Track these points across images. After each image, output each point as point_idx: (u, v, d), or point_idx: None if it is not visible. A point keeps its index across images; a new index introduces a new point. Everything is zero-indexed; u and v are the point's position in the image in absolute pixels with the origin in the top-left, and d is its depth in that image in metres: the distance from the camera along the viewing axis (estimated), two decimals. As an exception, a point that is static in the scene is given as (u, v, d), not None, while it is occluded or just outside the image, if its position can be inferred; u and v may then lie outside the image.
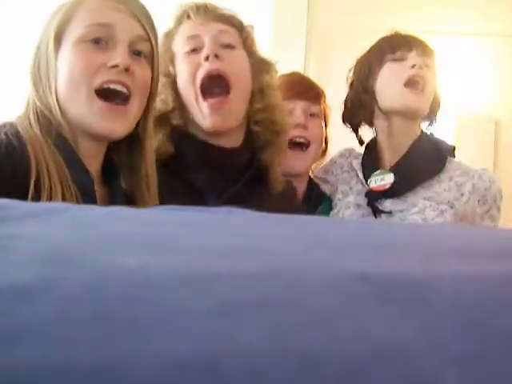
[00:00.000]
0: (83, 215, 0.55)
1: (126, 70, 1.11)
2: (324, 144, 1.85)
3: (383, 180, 1.69)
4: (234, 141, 1.44)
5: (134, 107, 1.15)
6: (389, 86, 1.66)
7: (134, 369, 0.28)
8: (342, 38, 3.97)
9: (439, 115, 1.78)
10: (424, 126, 1.79)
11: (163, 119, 1.41)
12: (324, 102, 1.82)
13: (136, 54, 1.15)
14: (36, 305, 0.31)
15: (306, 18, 2.97)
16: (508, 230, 0.59)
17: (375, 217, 1.67)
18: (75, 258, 0.38)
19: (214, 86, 1.39)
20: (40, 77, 1.13)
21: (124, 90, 1.12)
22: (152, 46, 1.19)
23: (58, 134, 1.10)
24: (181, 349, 0.29)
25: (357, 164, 1.80)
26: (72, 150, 1.11)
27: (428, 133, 1.78)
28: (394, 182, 1.66)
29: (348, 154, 1.85)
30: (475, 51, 4.26)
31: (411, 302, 0.33)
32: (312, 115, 1.76)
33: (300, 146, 1.73)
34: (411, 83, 1.62)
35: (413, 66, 1.61)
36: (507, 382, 0.28)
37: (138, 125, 1.20)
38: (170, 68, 1.45)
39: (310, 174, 1.85)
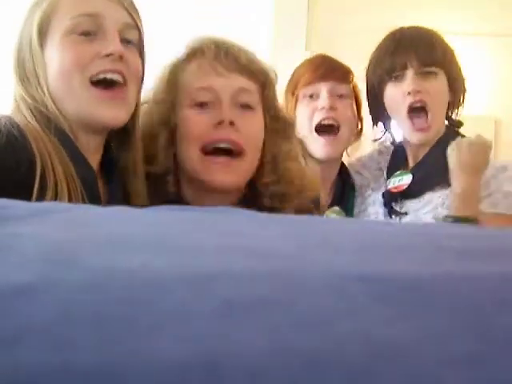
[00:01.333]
0: (84, 215, 0.55)
1: (120, 57, 1.08)
2: (360, 124, 1.78)
3: (401, 181, 1.67)
4: (229, 198, 1.25)
5: (131, 94, 1.12)
6: (395, 113, 1.64)
7: (135, 370, 0.28)
8: (343, 38, 3.97)
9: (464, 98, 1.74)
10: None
11: (157, 185, 1.24)
12: (352, 80, 1.73)
13: (126, 42, 1.12)
14: (36, 305, 0.31)
15: (306, 18, 2.97)
16: (506, 230, 0.59)
17: (390, 217, 1.66)
18: (75, 258, 0.38)
19: (222, 152, 1.20)
20: (26, 74, 1.10)
21: (120, 79, 1.09)
22: (140, 32, 1.15)
23: (57, 128, 1.07)
24: (181, 349, 0.29)
25: (384, 163, 1.78)
26: (73, 144, 1.08)
27: (455, 127, 1.73)
28: (412, 182, 1.64)
29: (386, 152, 1.82)
30: (475, 51, 4.26)
31: (411, 303, 0.33)
32: (340, 96, 1.68)
33: (329, 129, 1.67)
34: (413, 110, 1.59)
35: (409, 93, 1.58)
36: (506, 383, 0.28)
37: None
38: (171, 116, 1.25)
39: (342, 159, 1.78)
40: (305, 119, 1.66)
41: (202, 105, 1.23)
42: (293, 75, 1.74)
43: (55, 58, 1.08)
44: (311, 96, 1.67)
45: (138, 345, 0.29)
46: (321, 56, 1.79)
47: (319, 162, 1.68)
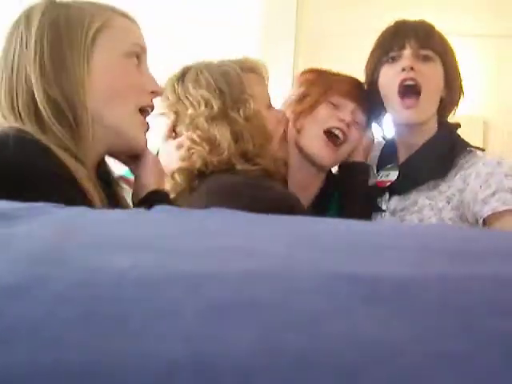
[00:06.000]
0: (74, 216, 0.54)
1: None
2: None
3: (388, 176, 1.66)
4: None
5: None
6: (386, 95, 1.63)
7: (124, 369, 0.28)
8: (332, 37, 3.97)
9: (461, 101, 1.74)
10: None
11: None
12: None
13: None
14: (25, 304, 0.31)
15: (295, 17, 2.97)
16: (498, 231, 0.59)
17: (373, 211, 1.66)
18: (65, 257, 0.38)
19: None
20: (55, 75, 1.05)
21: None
22: None
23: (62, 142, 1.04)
24: (170, 349, 0.29)
25: (374, 158, 1.77)
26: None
27: (450, 127, 1.71)
28: (397, 179, 1.63)
29: (375, 147, 1.80)
30: (464, 51, 4.28)
31: (400, 303, 0.33)
32: (356, 122, 1.72)
33: (335, 139, 1.68)
34: (405, 91, 1.57)
35: (402, 70, 1.57)
36: (494, 382, 0.29)
37: None
38: None
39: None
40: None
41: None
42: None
43: (107, 73, 1.09)
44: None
45: (126, 344, 0.29)
46: (358, 81, 1.77)
47: (319, 167, 1.70)
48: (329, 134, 1.66)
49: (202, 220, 0.55)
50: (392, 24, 1.69)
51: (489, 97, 4.36)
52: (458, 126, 1.73)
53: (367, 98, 1.72)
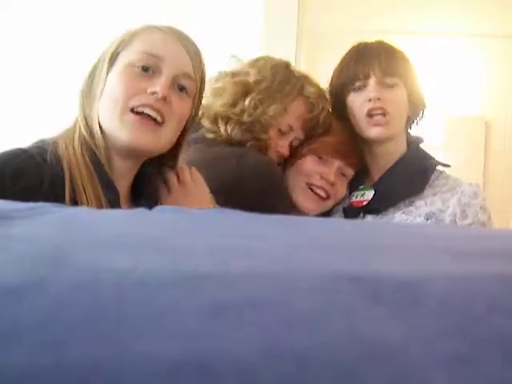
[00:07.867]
0: (74, 216, 0.54)
1: (164, 98, 1.15)
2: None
3: (363, 196, 1.70)
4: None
5: (167, 132, 1.19)
6: (354, 117, 1.67)
7: (125, 369, 0.28)
8: (333, 38, 3.98)
9: (426, 114, 1.77)
10: (414, 125, 1.78)
11: None
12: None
13: (179, 88, 1.20)
14: (26, 306, 0.31)
15: (297, 18, 2.97)
16: (497, 232, 0.59)
17: None
18: (66, 258, 0.38)
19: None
20: (89, 92, 1.20)
21: (158, 117, 1.16)
22: (196, 86, 1.24)
23: (92, 153, 1.15)
24: (170, 349, 0.29)
25: None
26: (102, 168, 1.16)
27: (417, 143, 1.76)
28: (373, 198, 1.67)
29: None
30: (465, 52, 4.28)
31: (401, 303, 0.33)
32: (343, 175, 1.73)
33: (319, 194, 1.70)
34: (372, 114, 1.62)
35: (369, 100, 1.61)
36: (492, 383, 0.29)
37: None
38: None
39: None
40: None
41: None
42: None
43: (112, 84, 1.17)
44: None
45: (128, 344, 0.29)
46: (345, 135, 1.77)
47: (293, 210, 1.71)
48: (311, 189, 1.69)
49: (203, 220, 0.55)
50: (354, 49, 1.72)
51: (490, 97, 4.37)
52: (420, 140, 1.79)
53: (356, 151, 1.73)
